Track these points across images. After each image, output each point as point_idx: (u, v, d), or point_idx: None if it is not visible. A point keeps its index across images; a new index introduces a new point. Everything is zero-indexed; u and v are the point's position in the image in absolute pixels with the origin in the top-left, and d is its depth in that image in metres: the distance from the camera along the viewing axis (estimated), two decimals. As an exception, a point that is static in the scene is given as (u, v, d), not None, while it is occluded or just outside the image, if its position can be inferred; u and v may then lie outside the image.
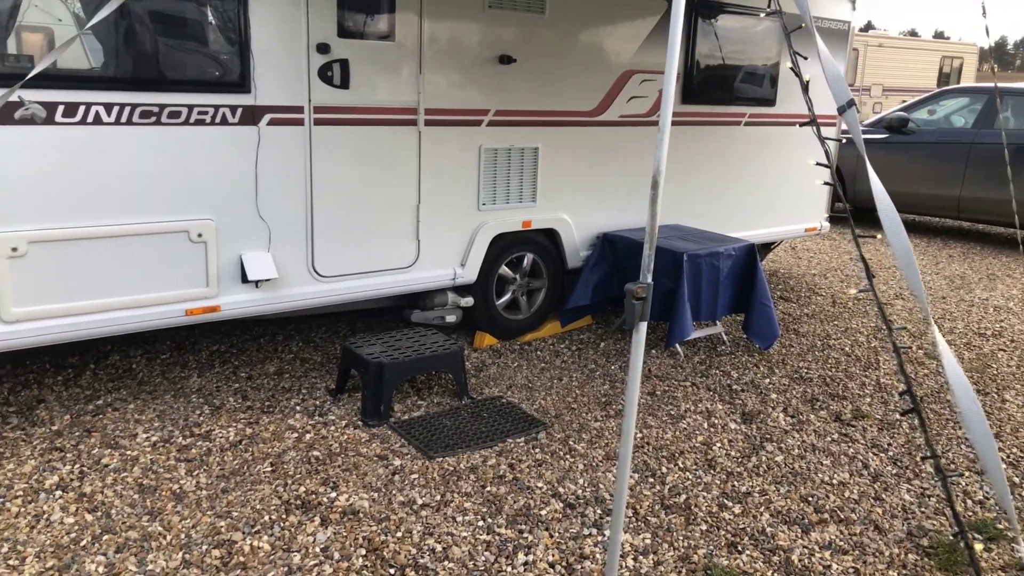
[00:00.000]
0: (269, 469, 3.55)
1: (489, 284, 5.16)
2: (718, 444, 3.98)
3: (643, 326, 2.34)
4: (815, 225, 7.15)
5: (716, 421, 4.25)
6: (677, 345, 5.17)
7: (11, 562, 2.82)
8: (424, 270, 4.82)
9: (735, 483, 3.61)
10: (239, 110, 3.93)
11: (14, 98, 3.34)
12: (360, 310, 5.35)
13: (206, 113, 3.84)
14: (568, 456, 3.79)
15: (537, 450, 3.83)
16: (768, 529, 3.25)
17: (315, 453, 3.71)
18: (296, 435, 3.88)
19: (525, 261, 5.34)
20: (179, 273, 3.93)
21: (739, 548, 3.12)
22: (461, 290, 5.09)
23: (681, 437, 4.04)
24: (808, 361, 5.22)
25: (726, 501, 3.45)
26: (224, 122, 3.90)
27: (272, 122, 4.04)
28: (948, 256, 8.80)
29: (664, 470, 3.69)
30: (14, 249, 3.48)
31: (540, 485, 3.51)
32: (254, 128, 3.99)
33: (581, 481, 3.56)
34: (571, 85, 5.17)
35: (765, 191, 6.60)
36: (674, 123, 5.79)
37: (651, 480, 3.60)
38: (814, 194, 7.06)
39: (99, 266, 3.71)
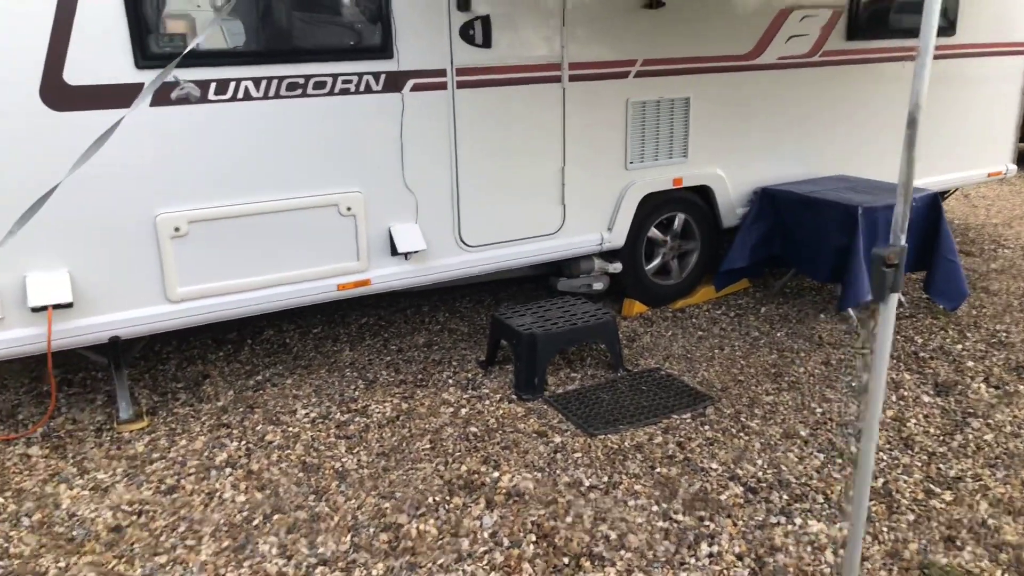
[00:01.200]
0: (428, 446, 3.46)
1: (638, 248, 4.86)
2: (912, 420, 3.55)
3: (894, 299, 1.98)
4: (999, 169, 6.36)
5: (906, 393, 3.80)
6: (850, 309, 4.70)
7: (188, 542, 2.86)
8: (570, 236, 4.58)
9: (940, 465, 3.19)
10: (382, 77, 3.79)
11: (170, 78, 3.33)
12: (503, 279, 5.20)
13: (350, 82, 3.73)
14: (742, 434, 3.48)
15: (706, 427, 3.55)
16: (990, 521, 2.83)
17: (472, 429, 3.59)
18: (452, 410, 3.78)
19: (676, 222, 4.99)
20: (330, 248, 3.88)
21: (958, 543, 2.73)
22: (608, 255, 4.82)
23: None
24: (1006, 323, 4.61)
25: (932, 487, 3.05)
26: (368, 90, 3.78)
27: (415, 87, 3.89)
28: None
29: (853, 450, 3.32)
30: (176, 229, 3.52)
31: (715, 466, 3.24)
32: (398, 95, 3.86)
33: (760, 462, 3.25)
34: (724, 26, 4.72)
35: (942, 133, 5.88)
36: (838, 63, 5.22)
37: (839, 462, 3.24)
38: (997, 133, 6.25)
39: (254, 243, 3.71)
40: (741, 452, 3.33)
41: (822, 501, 2.98)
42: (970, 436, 3.40)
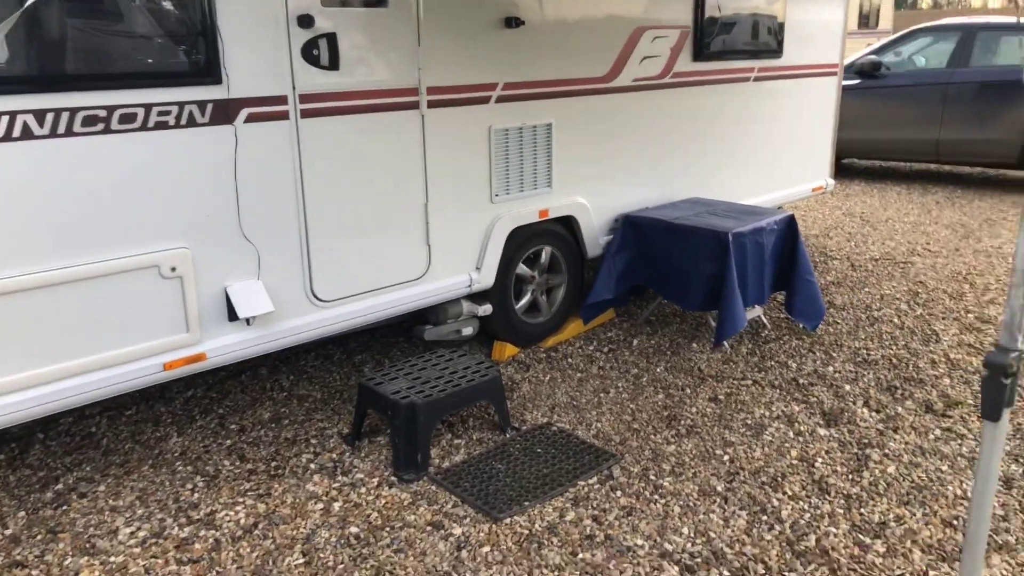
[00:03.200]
0: (301, 561, 2.81)
1: (507, 287, 4.46)
2: (818, 459, 3.42)
3: (1006, 416, 1.58)
4: (821, 184, 6.68)
5: (801, 428, 3.70)
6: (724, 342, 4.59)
7: None
8: (437, 279, 4.08)
9: (861, 511, 3.06)
10: (209, 106, 3.08)
11: (-94, 113, 2.43)
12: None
13: (168, 113, 2.98)
14: (657, 497, 3.17)
15: (618, 492, 3.20)
16: (931, 573, 2.71)
17: (353, 529, 2.98)
18: (322, 505, 3.14)
19: (543, 256, 4.65)
20: (151, 318, 3.10)
21: (910, 606, 2.57)
22: (476, 297, 4.38)
23: (772, 454, 3.47)
24: (862, 340, 4.72)
25: (863, 537, 2.90)
26: (192, 123, 3.05)
27: (251, 117, 3.21)
28: (936, 203, 8.51)
29: (775, 503, 3.11)
30: (-71, 315, 2.60)
31: (640, 542, 2.88)
32: (229, 128, 3.16)
33: (686, 531, 2.95)
34: (582, 47, 4.45)
35: (773, 151, 6.05)
36: (683, 84, 5.15)
37: (765, 518, 3.02)
38: (817, 150, 6.57)
39: (51, 322, 2.85)
40: (663, 520, 3.01)
41: (762, 571, 2.72)
42: (876, 471, 3.32)
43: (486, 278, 4.27)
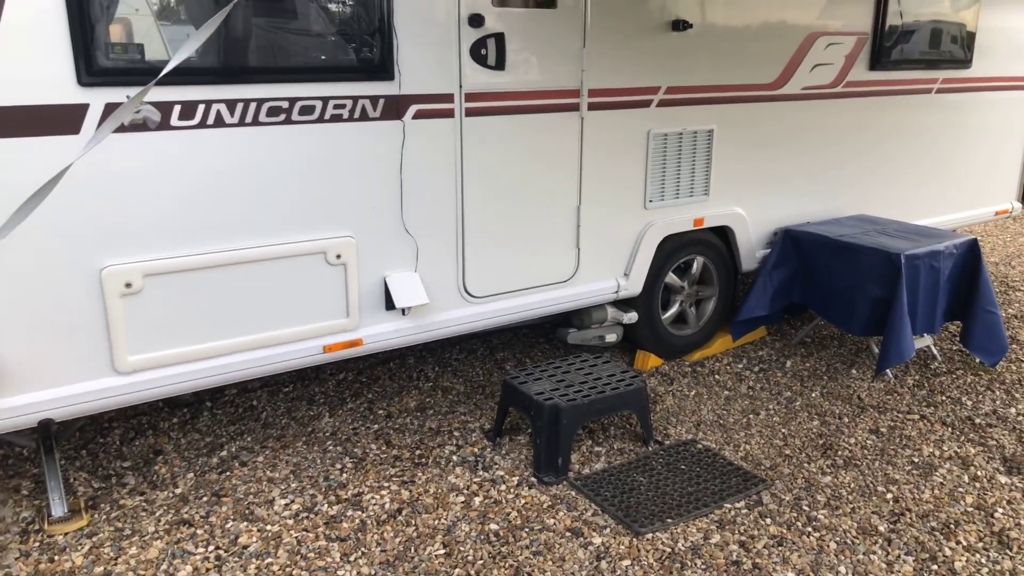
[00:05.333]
0: (442, 551, 2.84)
1: (655, 295, 4.35)
2: (999, 508, 3.10)
3: None
4: (1006, 207, 6.09)
5: (978, 472, 3.36)
6: (889, 370, 4.26)
7: None
8: (584, 283, 4.03)
9: (1049, 571, 2.73)
10: (381, 101, 3.19)
11: (122, 99, 2.67)
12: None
13: (343, 107, 3.11)
14: (810, 529, 2.97)
15: (767, 520, 3.02)
16: None
17: (492, 526, 2.99)
18: (463, 499, 3.17)
19: (694, 266, 4.50)
20: (315, 303, 3.24)
21: None
22: (622, 304, 4.30)
23: (944, 498, 3.17)
24: (1052, 381, 4.25)
25: (1051, 602, 2.59)
26: (364, 117, 3.17)
27: (419, 114, 3.30)
28: None
29: (947, 552, 2.84)
30: (128, 285, 2.84)
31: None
32: (398, 123, 3.26)
33: (843, 570, 2.74)
34: (750, 52, 4.28)
35: (953, 169, 5.58)
36: (858, 95, 4.84)
37: (936, 568, 2.76)
38: (1004, 169, 6.00)
39: (223, 299, 3.05)
40: (817, 555, 2.82)
41: (929, 624, 2.49)
42: (1067, 529, 2.97)
43: (634, 285, 4.19)
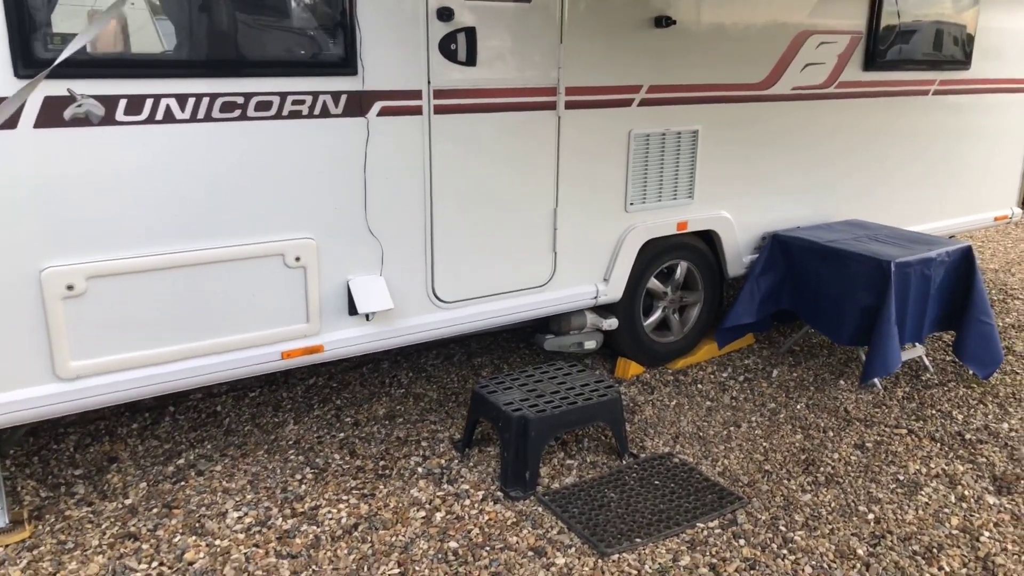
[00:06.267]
0: (397, 571, 2.70)
1: (636, 301, 4.20)
2: (985, 532, 2.95)
3: None
4: (1005, 212, 5.93)
5: (965, 492, 3.21)
6: (876, 380, 4.11)
7: None
8: (561, 288, 3.89)
9: (1035, 601, 2.59)
10: (343, 97, 3.05)
11: (63, 92, 2.54)
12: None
13: (302, 102, 2.98)
14: (785, 551, 2.83)
15: (741, 541, 2.88)
16: None
17: (452, 544, 2.85)
18: (424, 514, 3.03)
19: (678, 271, 4.35)
20: (273, 307, 3.11)
21: None
22: (602, 310, 4.15)
23: (928, 519, 3.03)
24: (1047, 395, 4.09)
25: (1037, 635, 2.44)
26: (325, 113, 3.03)
27: (384, 111, 3.16)
28: None
29: (927, 578, 2.69)
30: (69, 287, 2.71)
31: (762, 602, 2.57)
32: (362, 120, 3.12)
33: (817, 596, 2.60)
34: (738, 50, 4.12)
35: (950, 173, 5.42)
36: (852, 96, 4.69)
37: (915, 595, 2.61)
38: (1003, 174, 5.83)
39: (174, 303, 2.91)
40: (790, 580, 2.68)
41: (906, 658, 2.34)
42: (1057, 555, 2.81)
43: (614, 291, 4.04)
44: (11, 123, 2.49)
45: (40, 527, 2.91)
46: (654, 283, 4.28)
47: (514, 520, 3.00)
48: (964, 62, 5.19)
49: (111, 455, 3.43)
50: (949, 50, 5.09)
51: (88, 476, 3.26)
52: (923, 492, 3.21)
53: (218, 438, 3.59)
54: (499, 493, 3.17)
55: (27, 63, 2.46)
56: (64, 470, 3.30)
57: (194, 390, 3.99)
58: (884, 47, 4.72)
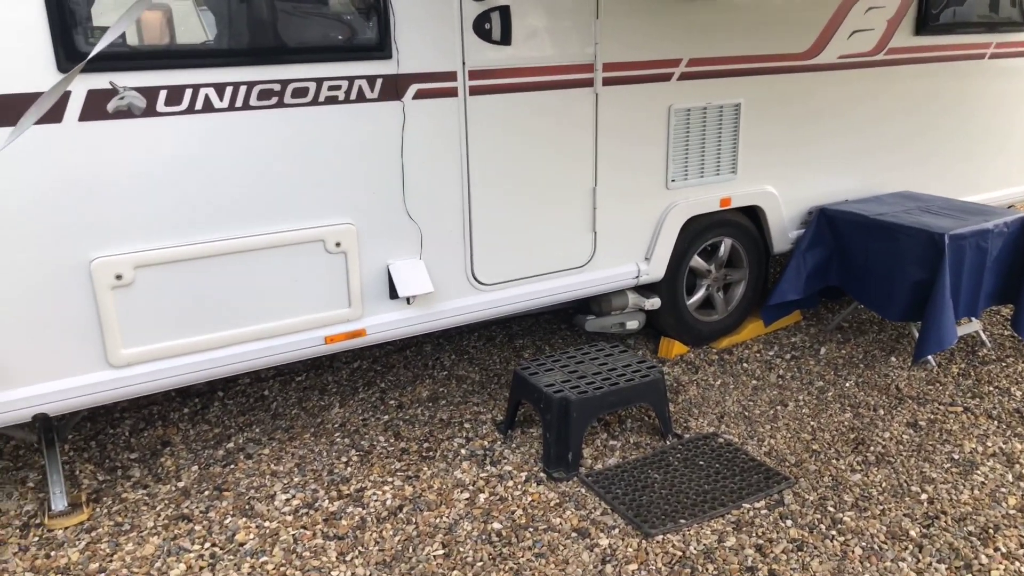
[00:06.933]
0: (440, 552, 2.73)
1: (679, 280, 4.14)
2: (1045, 512, 2.85)
3: None
4: (1069, 180, 5.67)
5: (1023, 471, 3.11)
6: (931, 357, 3.99)
7: None
8: (601, 268, 3.85)
9: (1100, 584, 2.49)
10: (379, 81, 3.05)
11: (105, 85, 2.58)
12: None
13: (338, 88, 2.98)
14: (834, 533, 2.77)
15: (788, 521, 2.83)
16: None
17: (495, 525, 2.86)
18: (467, 495, 3.05)
19: (722, 248, 4.28)
20: (315, 292, 3.14)
21: None
22: (644, 289, 4.11)
23: (984, 499, 2.94)
24: (1113, 370, 3.92)
25: (1101, 619, 2.35)
26: (361, 98, 3.03)
27: (419, 94, 3.15)
28: None
29: (983, 560, 2.61)
30: (118, 277, 2.77)
31: (811, 584, 2.53)
32: (398, 104, 3.11)
33: (868, 578, 2.55)
34: (780, 19, 4.00)
35: (1007, 141, 5.20)
36: (900, 62, 4.52)
37: (970, 577, 2.54)
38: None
39: (219, 290, 2.96)
40: (840, 562, 2.62)
41: (961, 642, 2.28)
42: (1123, 536, 2.71)
43: (656, 270, 3.99)
44: (56, 117, 2.55)
45: (98, 510, 3.01)
46: (697, 261, 4.21)
47: (557, 501, 3.00)
48: (1021, 23, 4.95)
49: (164, 439, 3.52)
50: (1005, 11, 4.86)
51: (143, 460, 3.36)
52: (979, 471, 3.11)
53: (266, 422, 3.66)
54: (542, 474, 3.17)
55: (69, 56, 2.51)
56: (120, 454, 3.40)
57: (242, 375, 4.07)
58: (936, 10, 4.53)
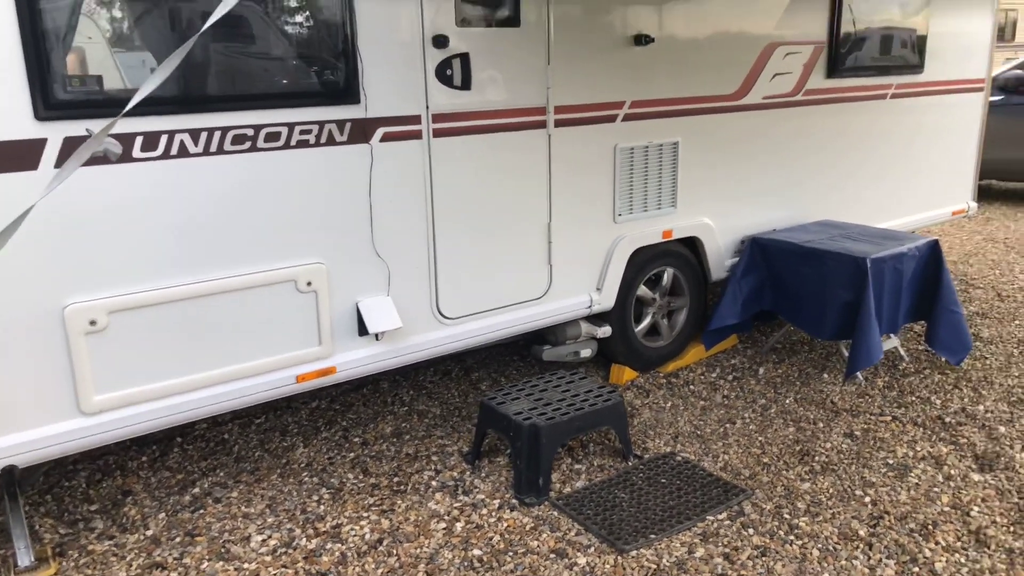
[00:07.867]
0: (426, 581, 2.80)
1: (627, 309, 4.36)
2: (974, 507, 3.15)
3: None
4: (963, 207, 6.24)
5: (951, 471, 3.41)
6: (858, 373, 4.32)
7: None
8: (557, 299, 4.03)
9: (1027, 568, 2.78)
10: (348, 125, 3.16)
11: (82, 132, 2.60)
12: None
13: (309, 132, 3.07)
14: (792, 538, 2.98)
15: (750, 530, 3.03)
16: (1116, 646, 2.42)
17: (476, 552, 2.95)
18: (444, 525, 3.12)
19: (665, 278, 4.53)
20: (286, 332, 3.18)
21: None
22: (595, 318, 4.30)
23: (920, 499, 3.22)
24: (1017, 377, 4.34)
25: (1031, 599, 2.63)
26: (331, 141, 3.13)
27: (386, 136, 3.27)
28: (1091, 229, 7.81)
29: (927, 553, 2.87)
30: (92, 323, 2.76)
31: (778, 587, 2.72)
32: (366, 146, 3.22)
33: (828, 577, 2.76)
34: (712, 64, 4.33)
35: (911, 171, 5.70)
36: (815, 102, 4.93)
37: (917, 570, 2.78)
38: (959, 170, 6.14)
39: (192, 333, 2.97)
40: (800, 564, 2.83)
41: (916, 628, 2.51)
42: (1041, 524, 3.02)
43: (606, 299, 4.19)
44: (32, 164, 2.55)
45: (65, 563, 2.93)
46: (643, 290, 4.44)
47: (532, 525, 3.11)
48: (918, 66, 5.48)
49: (124, 488, 3.45)
50: (903, 55, 5.38)
51: (105, 510, 3.28)
52: (912, 474, 3.40)
53: (230, 465, 3.63)
54: (514, 500, 3.28)
55: (47, 104, 2.52)
56: (79, 506, 3.32)
57: (200, 420, 4.02)
58: (844, 55, 4.98)
